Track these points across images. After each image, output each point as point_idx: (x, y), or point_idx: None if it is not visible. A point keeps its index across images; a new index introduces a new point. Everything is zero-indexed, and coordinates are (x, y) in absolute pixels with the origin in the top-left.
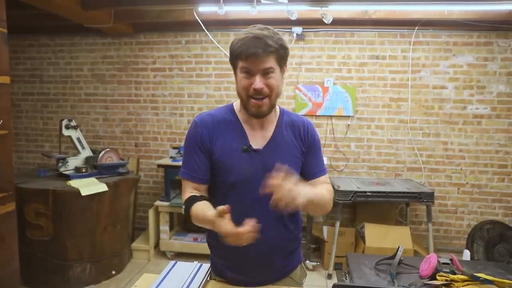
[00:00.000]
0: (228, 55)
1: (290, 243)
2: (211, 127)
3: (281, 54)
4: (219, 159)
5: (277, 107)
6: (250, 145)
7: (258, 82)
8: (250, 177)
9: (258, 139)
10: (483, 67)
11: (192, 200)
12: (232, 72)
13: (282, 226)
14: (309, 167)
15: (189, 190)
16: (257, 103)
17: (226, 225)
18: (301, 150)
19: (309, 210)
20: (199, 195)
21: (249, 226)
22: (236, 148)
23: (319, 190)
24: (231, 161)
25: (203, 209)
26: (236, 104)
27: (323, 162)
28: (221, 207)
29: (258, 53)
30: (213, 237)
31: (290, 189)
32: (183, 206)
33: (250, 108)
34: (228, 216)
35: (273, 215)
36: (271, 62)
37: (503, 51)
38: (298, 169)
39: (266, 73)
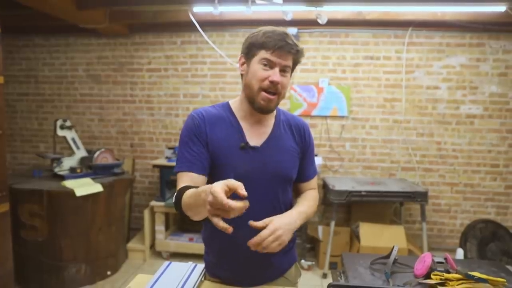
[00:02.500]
0: (224, 55)
1: None
2: (207, 121)
3: (298, 59)
4: (214, 155)
5: None
6: (247, 142)
7: (277, 75)
8: (247, 175)
9: (255, 137)
10: (475, 68)
11: (185, 188)
12: (227, 72)
13: None
14: (304, 169)
15: (184, 182)
16: (268, 97)
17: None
18: (298, 151)
19: None
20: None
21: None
22: (232, 145)
23: (305, 205)
24: (227, 158)
25: (195, 189)
26: (233, 102)
27: (315, 162)
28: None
29: (286, 47)
30: (209, 235)
31: (282, 230)
32: (173, 197)
33: (259, 101)
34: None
35: (269, 213)
36: (289, 62)
37: (495, 52)
38: (295, 167)
39: (283, 70)
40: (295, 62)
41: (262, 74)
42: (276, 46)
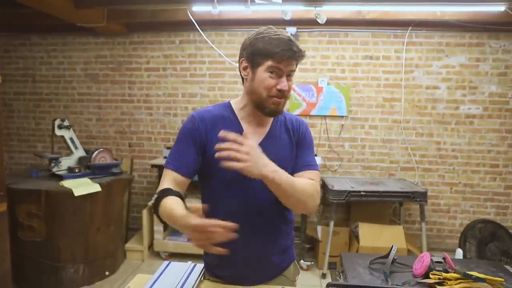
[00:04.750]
0: (223, 55)
1: (283, 240)
2: (208, 122)
3: (300, 61)
4: (213, 155)
5: None
6: None
7: (285, 84)
8: (244, 174)
9: (254, 136)
10: (475, 67)
11: (165, 192)
12: (226, 72)
13: (276, 223)
14: (296, 161)
15: (167, 181)
16: (278, 101)
17: (194, 219)
18: (294, 147)
19: (279, 195)
20: (176, 190)
21: (221, 222)
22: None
23: (297, 178)
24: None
25: (172, 204)
26: (234, 102)
27: (314, 159)
28: (197, 205)
29: (294, 56)
30: None
31: (254, 153)
32: (154, 197)
33: (269, 105)
34: (199, 213)
35: (267, 213)
36: (294, 66)
37: (495, 52)
38: (291, 166)
39: (289, 75)
40: (298, 63)
41: (270, 83)
42: (285, 56)
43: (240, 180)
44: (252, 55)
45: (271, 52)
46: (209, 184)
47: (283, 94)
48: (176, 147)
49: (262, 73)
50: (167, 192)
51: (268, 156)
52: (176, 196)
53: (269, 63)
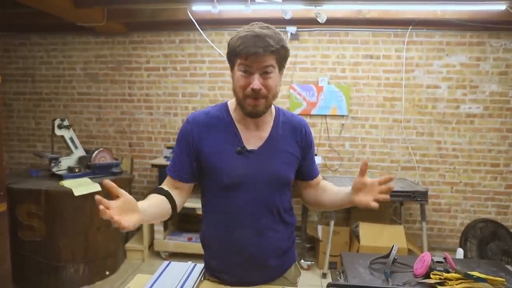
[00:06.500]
0: (223, 54)
1: (284, 242)
2: (202, 125)
3: (282, 55)
4: (209, 159)
5: (272, 106)
6: (244, 146)
7: (257, 83)
8: (244, 178)
9: (253, 140)
10: (475, 66)
11: (154, 190)
12: (226, 71)
13: (276, 226)
14: (308, 167)
15: (165, 184)
16: (254, 102)
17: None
18: (299, 151)
19: (337, 206)
20: (166, 189)
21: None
22: (228, 149)
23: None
24: (222, 162)
25: (148, 200)
26: (231, 103)
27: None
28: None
29: (258, 52)
30: (207, 237)
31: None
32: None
33: (246, 107)
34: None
35: (267, 215)
36: (270, 61)
37: (495, 51)
38: (293, 170)
39: (265, 72)
40: (281, 58)
41: (243, 82)
42: (249, 53)
43: (238, 183)
44: (228, 55)
45: (236, 50)
46: (207, 187)
47: (258, 94)
48: (175, 152)
49: (236, 72)
50: (155, 190)
51: (272, 163)
52: (161, 194)
53: (238, 61)
